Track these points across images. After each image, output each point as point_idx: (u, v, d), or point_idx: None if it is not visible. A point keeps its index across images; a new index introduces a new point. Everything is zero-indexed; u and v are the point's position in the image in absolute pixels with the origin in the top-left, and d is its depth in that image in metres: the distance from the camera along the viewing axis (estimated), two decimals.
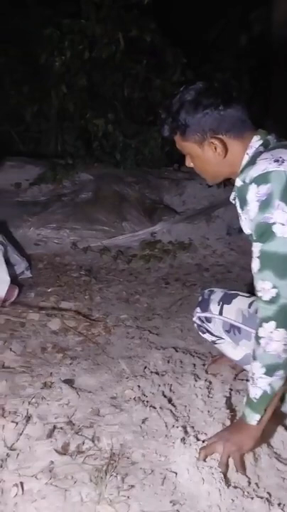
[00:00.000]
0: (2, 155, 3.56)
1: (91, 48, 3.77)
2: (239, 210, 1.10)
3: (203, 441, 1.14)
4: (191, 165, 1.15)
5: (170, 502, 1.03)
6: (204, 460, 1.08)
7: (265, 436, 1.16)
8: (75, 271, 2.71)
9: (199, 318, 1.36)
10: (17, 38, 4.12)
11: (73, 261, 2.89)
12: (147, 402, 1.39)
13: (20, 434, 1.25)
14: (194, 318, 1.39)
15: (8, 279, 2.05)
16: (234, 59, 4.59)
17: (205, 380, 1.48)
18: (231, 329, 1.28)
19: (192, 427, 1.26)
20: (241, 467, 1.09)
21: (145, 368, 1.61)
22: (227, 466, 1.08)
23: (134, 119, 3.94)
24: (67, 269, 2.75)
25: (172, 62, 4.03)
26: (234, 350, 1.31)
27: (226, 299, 1.30)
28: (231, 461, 1.09)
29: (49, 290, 2.38)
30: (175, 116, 1.06)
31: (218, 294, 1.33)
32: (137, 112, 4.02)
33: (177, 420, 1.30)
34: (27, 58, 4.08)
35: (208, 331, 1.37)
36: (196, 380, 1.49)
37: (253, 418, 1.07)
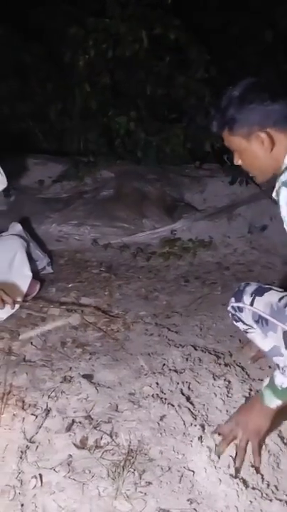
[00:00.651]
0: (26, 152, 3.61)
1: (115, 46, 3.77)
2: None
3: (219, 434, 1.13)
4: (239, 162, 1.16)
5: (187, 500, 1.02)
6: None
7: (285, 437, 1.14)
8: (95, 267, 2.73)
9: (233, 308, 1.40)
10: (41, 36, 4.16)
11: (93, 257, 2.90)
12: (165, 399, 1.38)
13: (40, 427, 1.27)
14: (228, 308, 1.43)
15: (30, 274, 2.08)
16: (258, 55, 4.50)
17: (224, 380, 1.47)
18: (260, 320, 1.30)
19: (211, 426, 1.25)
20: (259, 453, 1.10)
21: (164, 365, 1.61)
22: (245, 451, 1.09)
23: (156, 117, 3.92)
24: (87, 265, 2.77)
25: (196, 58, 3.99)
26: (263, 341, 1.33)
27: (259, 292, 1.33)
28: (249, 463, 1.08)
29: (69, 286, 2.40)
30: (224, 111, 1.10)
31: (253, 286, 1.37)
32: (160, 109, 4.00)
33: (195, 419, 1.29)
34: (51, 56, 4.12)
35: (240, 320, 1.39)
36: (215, 379, 1.47)
37: (275, 403, 1.09)
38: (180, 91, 3.98)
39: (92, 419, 1.31)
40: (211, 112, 1.15)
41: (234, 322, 1.43)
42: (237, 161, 1.16)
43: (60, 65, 4.01)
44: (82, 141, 3.95)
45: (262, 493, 1.03)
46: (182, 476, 1.09)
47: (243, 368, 1.57)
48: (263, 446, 1.14)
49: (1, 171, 1.99)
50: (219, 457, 1.09)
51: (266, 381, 1.11)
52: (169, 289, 2.37)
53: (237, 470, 1.07)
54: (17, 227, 2.30)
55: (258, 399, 1.12)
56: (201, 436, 1.17)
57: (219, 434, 1.12)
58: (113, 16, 3.76)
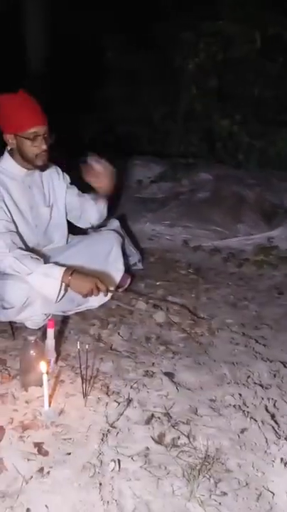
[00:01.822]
0: (130, 154, 3.78)
1: (226, 48, 3.73)
2: None
3: None
4: None
5: None
6: None
7: None
8: (184, 268, 2.73)
9: None
10: (157, 42, 4.30)
11: (183, 258, 2.91)
12: (248, 412, 1.33)
13: (121, 415, 1.32)
14: None
15: (122, 268, 2.17)
16: None
17: None
18: None
19: None
20: None
21: (249, 377, 1.54)
22: None
23: (262, 119, 3.78)
24: (176, 265, 2.79)
25: None
26: None
27: None
28: None
29: (157, 283, 2.44)
30: None
31: None
32: (266, 111, 3.84)
33: (279, 438, 1.22)
34: (162, 62, 4.24)
35: None
36: None
37: None
38: None
39: (171, 417, 1.32)
40: None
41: None
42: None
43: (170, 70, 4.11)
44: (184, 144, 4.00)
45: None
46: (260, 495, 1.03)
47: None
48: None
49: (104, 211, 2.14)
50: None
51: None
52: (260, 300, 2.27)
53: None
54: (115, 224, 2.41)
55: None
56: (283, 458, 1.10)
57: None
58: (226, 18, 3.72)
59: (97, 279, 1.74)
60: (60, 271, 1.71)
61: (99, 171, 1.99)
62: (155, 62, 4.31)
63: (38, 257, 1.76)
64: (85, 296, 1.75)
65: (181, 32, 3.83)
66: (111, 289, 1.91)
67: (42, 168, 1.90)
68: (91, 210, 2.12)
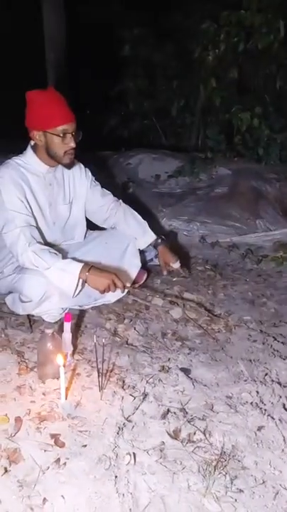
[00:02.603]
0: (147, 147, 3.76)
1: (248, 39, 3.63)
2: None
3: None
4: None
5: None
6: None
7: None
8: (201, 264, 2.71)
9: None
10: (176, 34, 4.25)
11: (200, 254, 2.89)
12: (265, 410, 1.31)
13: (137, 409, 1.33)
14: None
15: (139, 264, 2.17)
16: None
17: None
18: None
19: None
20: None
21: (266, 374, 1.52)
22: None
23: (284, 112, 3.68)
24: (192, 261, 2.77)
25: None
26: None
27: None
28: None
29: (174, 279, 2.43)
30: None
31: None
32: None
33: None
34: (181, 54, 4.18)
35: None
36: None
37: None
38: None
39: (187, 412, 1.32)
40: None
41: None
42: None
43: (188, 62, 4.05)
44: (201, 138, 3.95)
45: None
46: (277, 493, 1.02)
47: None
48: None
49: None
50: None
51: None
52: (279, 297, 2.23)
53: None
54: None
55: None
56: None
57: None
58: (249, 8, 3.61)
59: (114, 275, 1.74)
60: (77, 267, 1.72)
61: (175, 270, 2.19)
62: (173, 54, 4.25)
63: (56, 252, 1.77)
64: (102, 292, 1.76)
65: (201, 22, 3.74)
66: (128, 285, 1.92)
67: (69, 166, 1.89)
68: (122, 226, 2.14)
